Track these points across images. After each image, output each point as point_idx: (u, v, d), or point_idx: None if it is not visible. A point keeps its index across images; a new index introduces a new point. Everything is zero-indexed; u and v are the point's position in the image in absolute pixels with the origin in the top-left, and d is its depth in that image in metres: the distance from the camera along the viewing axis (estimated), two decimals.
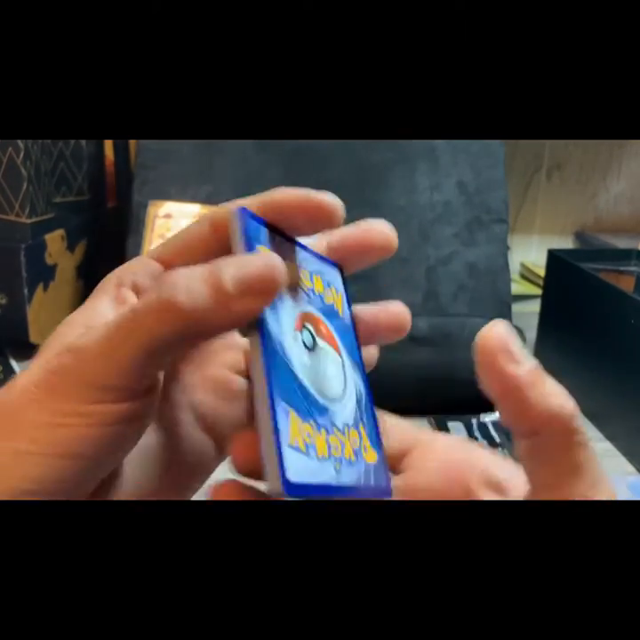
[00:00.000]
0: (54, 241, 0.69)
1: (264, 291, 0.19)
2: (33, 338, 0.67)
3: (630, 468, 0.53)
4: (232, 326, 0.20)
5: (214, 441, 0.26)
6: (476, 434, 0.55)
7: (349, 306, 0.26)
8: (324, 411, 0.22)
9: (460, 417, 0.57)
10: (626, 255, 0.73)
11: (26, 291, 0.64)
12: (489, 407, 0.58)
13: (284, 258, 0.21)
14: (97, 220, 0.79)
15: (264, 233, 0.23)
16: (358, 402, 0.25)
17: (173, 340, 0.19)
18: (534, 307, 0.76)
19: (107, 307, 0.22)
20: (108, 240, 0.80)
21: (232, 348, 0.27)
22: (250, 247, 0.21)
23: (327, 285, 0.26)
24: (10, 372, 0.64)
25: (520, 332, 0.61)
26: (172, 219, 0.65)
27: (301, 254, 0.25)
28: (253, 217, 0.22)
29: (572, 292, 0.65)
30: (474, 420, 0.56)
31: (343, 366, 0.25)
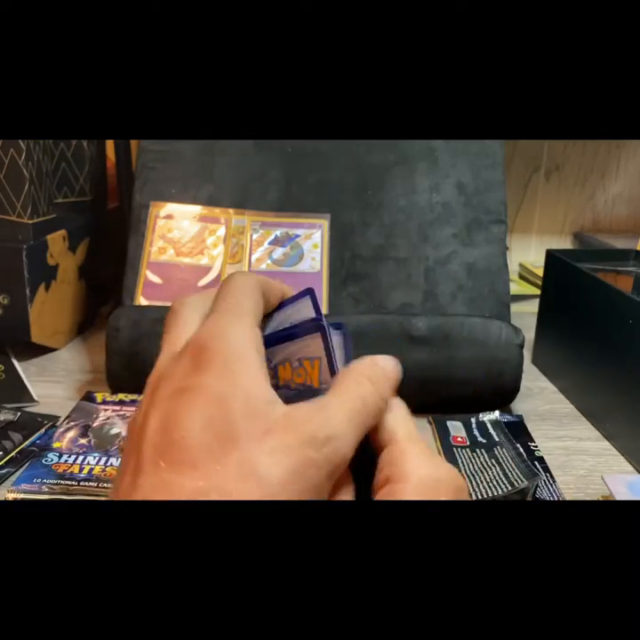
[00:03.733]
0: (56, 241, 0.69)
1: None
2: (34, 338, 0.67)
3: (630, 467, 0.53)
4: None
5: None
6: (475, 433, 0.55)
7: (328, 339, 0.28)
8: None
9: (458, 416, 0.57)
10: (624, 255, 0.73)
11: (27, 291, 0.65)
12: (488, 406, 0.59)
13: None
14: (98, 221, 0.79)
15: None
16: None
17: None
18: (533, 307, 0.76)
19: (261, 377, 0.25)
20: (109, 240, 0.80)
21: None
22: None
23: (297, 365, 0.28)
24: (12, 372, 0.65)
25: (518, 331, 0.61)
26: (174, 219, 0.65)
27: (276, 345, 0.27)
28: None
29: (571, 293, 0.65)
30: (473, 420, 0.57)
31: None
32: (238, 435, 0.21)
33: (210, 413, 0.21)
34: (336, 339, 0.27)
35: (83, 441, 0.52)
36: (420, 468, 0.24)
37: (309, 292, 0.28)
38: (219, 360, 0.23)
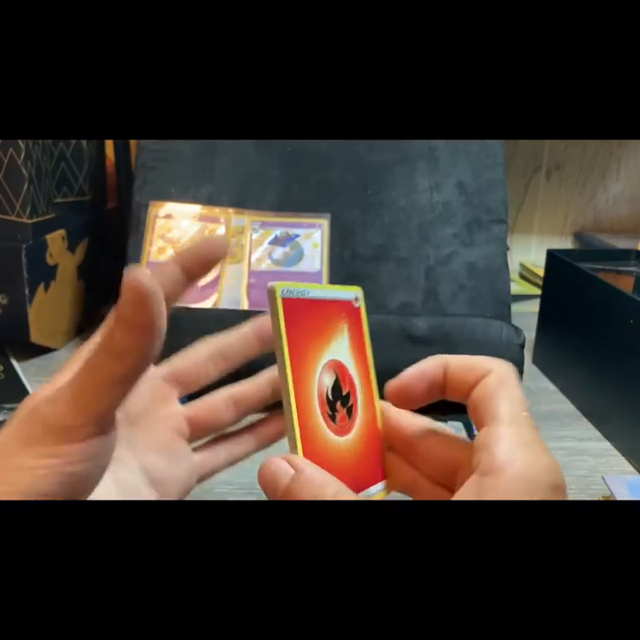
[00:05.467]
0: (55, 241, 0.69)
1: (145, 302, 0.22)
2: (34, 338, 0.67)
3: (630, 467, 0.53)
4: (152, 349, 0.23)
5: (161, 496, 0.30)
6: (476, 433, 0.55)
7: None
8: None
9: (459, 416, 0.57)
10: (625, 255, 0.73)
11: (27, 291, 0.64)
12: None
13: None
14: (98, 221, 0.79)
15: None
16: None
17: (122, 377, 0.23)
18: (533, 307, 0.76)
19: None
20: (108, 240, 0.80)
21: (176, 414, 0.32)
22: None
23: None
24: (11, 372, 0.64)
25: (519, 331, 0.61)
26: (173, 219, 0.65)
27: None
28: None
29: (572, 293, 0.65)
30: None
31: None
32: None
33: None
34: None
35: None
36: (516, 461, 0.22)
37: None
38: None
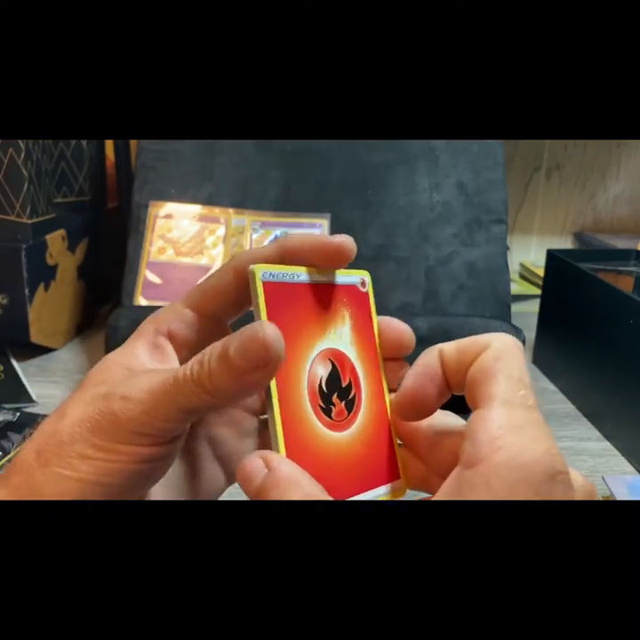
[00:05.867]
0: (55, 241, 0.69)
1: (266, 364, 0.21)
2: (34, 338, 0.67)
3: (630, 467, 0.53)
4: (249, 395, 0.23)
5: (225, 471, 0.30)
6: None
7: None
8: None
9: (459, 416, 0.57)
10: (625, 255, 0.73)
11: (27, 291, 0.64)
12: None
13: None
14: (98, 221, 0.79)
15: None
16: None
17: (203, 408, 0.23)
18: (533, 307, 0.76)
19: (144, 352, 0.26)
20: (108, 240, 0.80)
21: None
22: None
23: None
24: (11, 372, 0.64)
25: (519, 331, 0.61)
26: (173, 219, 0.65)
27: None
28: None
29: (571, 293, 0.65)
30: None
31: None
32: None
33: None
34: None
35: None
36: (500, 449, 0.19)
37: None
38: None
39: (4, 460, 0.50)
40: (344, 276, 0.27)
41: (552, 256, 0.70)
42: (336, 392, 0.26)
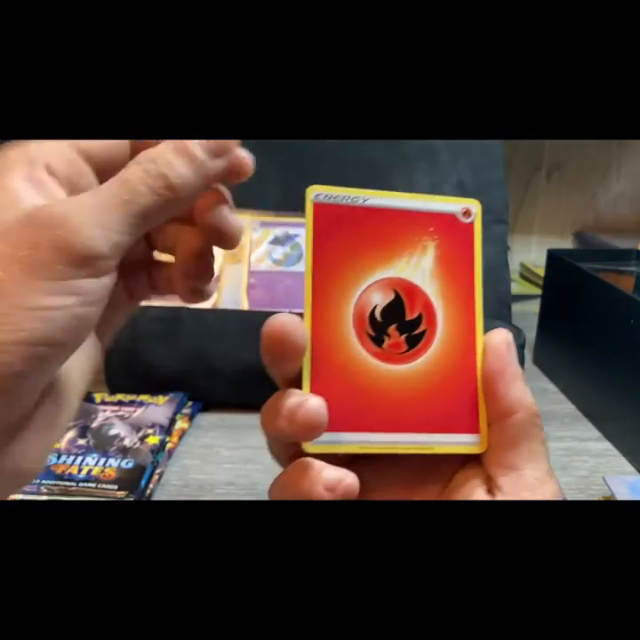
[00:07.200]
0: None
1: (221, 150, 0.22)
2: None
3: (630, 468, 0.53)
4: (204, 190, 0.22)
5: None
6: None
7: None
8: None
9: None
10: (625, 255, 0.73)
11: None
12: None
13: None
14: None
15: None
16: None
17: (163, 210, 0.20)
18: (534, 307, 0.76)
19: (22, 186, 0.20)
20: None
21: None
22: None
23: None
24: None
25: (519, 331, 0.61)
26: None
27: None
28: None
29: (572, 293, 0.65)
30: None
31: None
32: None
33: None
34: None
35: (81, 442, 0.52)
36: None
37: None
38: None
39: None
40: (440, 204, 0.25)
41: (552, 256, 0.69)
42: (396, 323, 0.24)
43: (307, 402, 0.22)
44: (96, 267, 0.19)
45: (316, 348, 0.23)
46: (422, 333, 0.25)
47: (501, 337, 0.25)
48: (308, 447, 0.23)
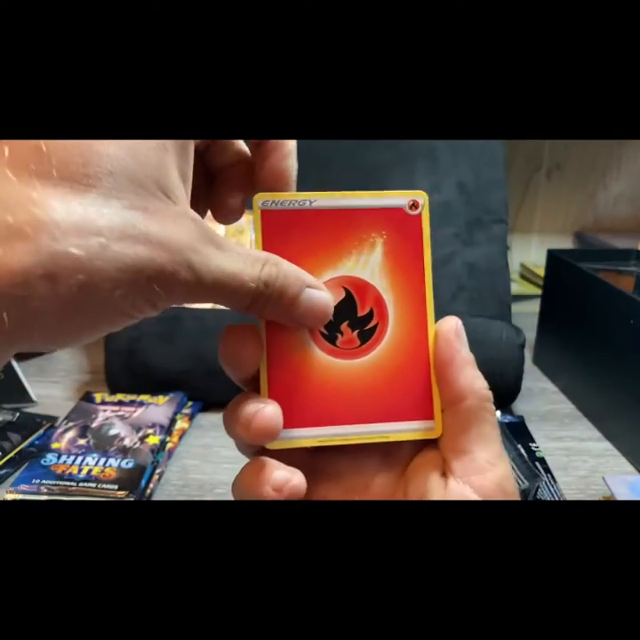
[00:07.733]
0: None
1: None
2: None
3: (630, 468, 0.53)
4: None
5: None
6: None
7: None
8: None
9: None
10: (625, 255, 0.73)
11: None
12: None
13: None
14: None
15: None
16: None
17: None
18: (534, 307, 0.76)
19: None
20: None
21: None
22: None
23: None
24: (11, 372, 0.64)
25: (519, 331, 0.61)
26: None
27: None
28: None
29: (572, 293, 0.65)
30: None
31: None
32: None
33: None
34: None
35: (82, 442, 0.52)
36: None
37: None
38: None
39: (3, 460, 0.50)
40: (386, 199, 0.26)
41: (552, 256, 0.69)
42: (347, 320, 0.25)
43: (262, 410, 0.23)
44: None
45: (271, 351, 0.24)
46: (374, 327, 0.25)
47: (450, 325, 0.26)
48: (269, 444, 0.25)
